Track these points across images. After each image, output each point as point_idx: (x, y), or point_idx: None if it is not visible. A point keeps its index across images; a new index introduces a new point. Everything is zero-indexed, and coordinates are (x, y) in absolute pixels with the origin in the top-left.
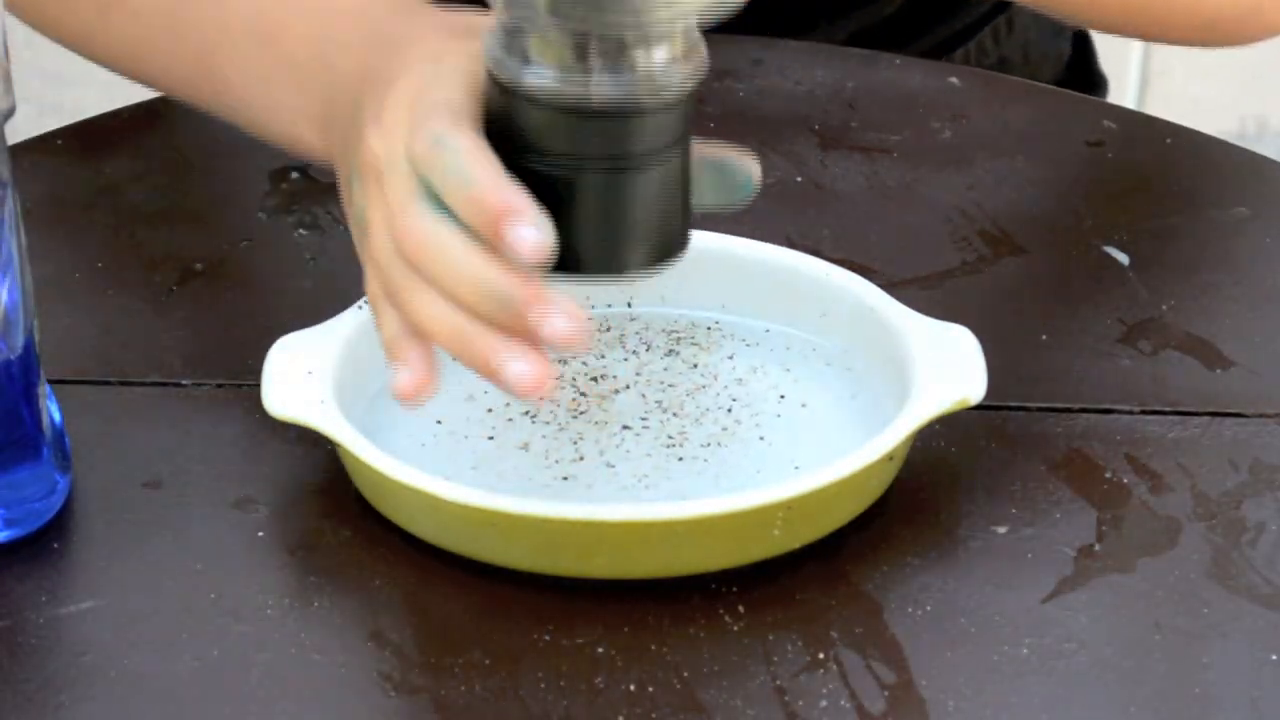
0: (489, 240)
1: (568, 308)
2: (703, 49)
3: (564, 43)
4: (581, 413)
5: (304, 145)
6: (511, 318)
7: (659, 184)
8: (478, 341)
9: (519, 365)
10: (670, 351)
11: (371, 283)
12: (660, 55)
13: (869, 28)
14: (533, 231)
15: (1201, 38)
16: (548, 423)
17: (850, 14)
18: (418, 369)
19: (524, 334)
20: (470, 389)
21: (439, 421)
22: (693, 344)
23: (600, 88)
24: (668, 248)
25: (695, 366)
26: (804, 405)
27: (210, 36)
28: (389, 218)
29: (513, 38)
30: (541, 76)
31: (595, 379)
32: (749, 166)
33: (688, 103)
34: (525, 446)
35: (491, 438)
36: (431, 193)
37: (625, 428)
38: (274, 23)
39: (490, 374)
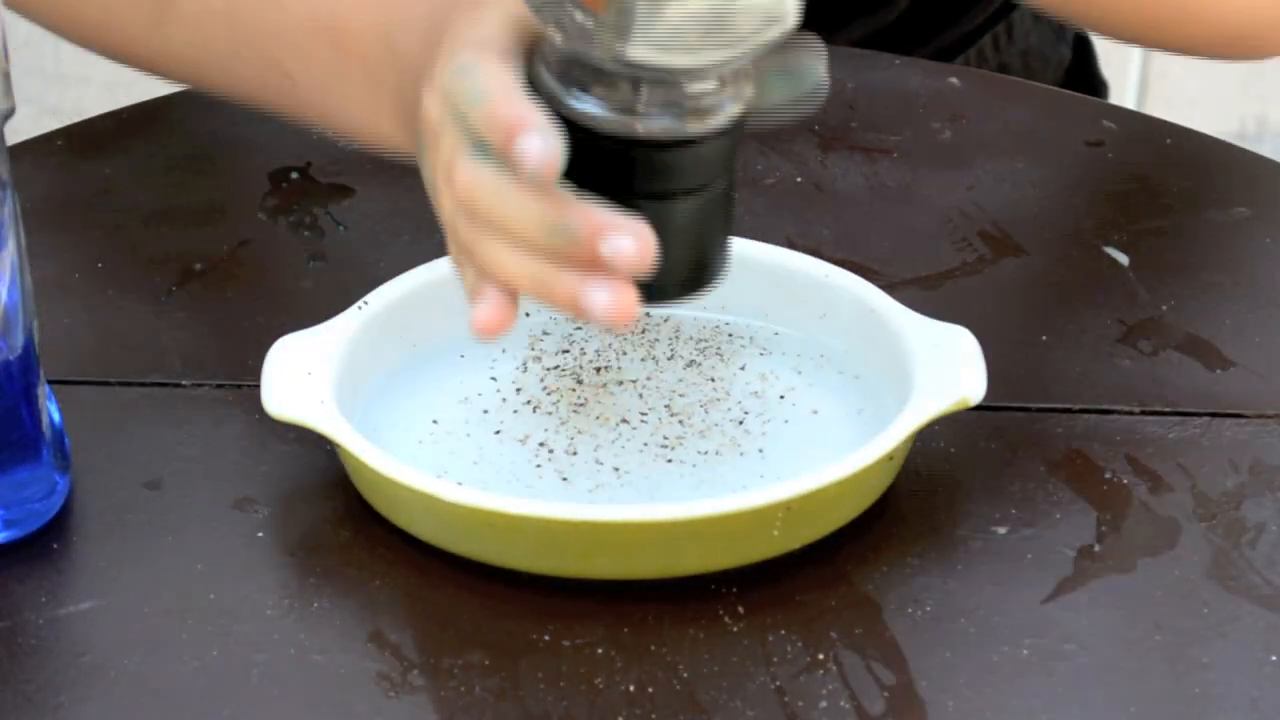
0: (505, 155)
1: (633, 228)
2: (750, 79)
3: (619, 79)
4: (581, 404)
5: (386, 138)
6: (579, 249)
7: (703, 213)
8: (554, 281)
9: (602, 295)
10: (680, 357)
11: (450, 244)
12: (710, 88)
13: (870, 36)
14: (538, 140)
15: (1225, 51)
16: (550, 412)
17: (851, 23)
18: (497, 301)
19: (595, 263)
20: (466, 391)
21: (435, 421)
22: (699, 347)
23: (649, 121)
24: (709, 275)
25: (692, 364)
26: (815, 412)
27: (272, 40)
28: (446, 172)
29: (566, 65)
30: (590, 104)
31: (599, 369)
32: (816, 62)
33: (734, 133)
34: (524, 439)
35: (498, 431)
36: (479, 140)
37: (623, 421)
38: (334, 18)
39: (576, 310)
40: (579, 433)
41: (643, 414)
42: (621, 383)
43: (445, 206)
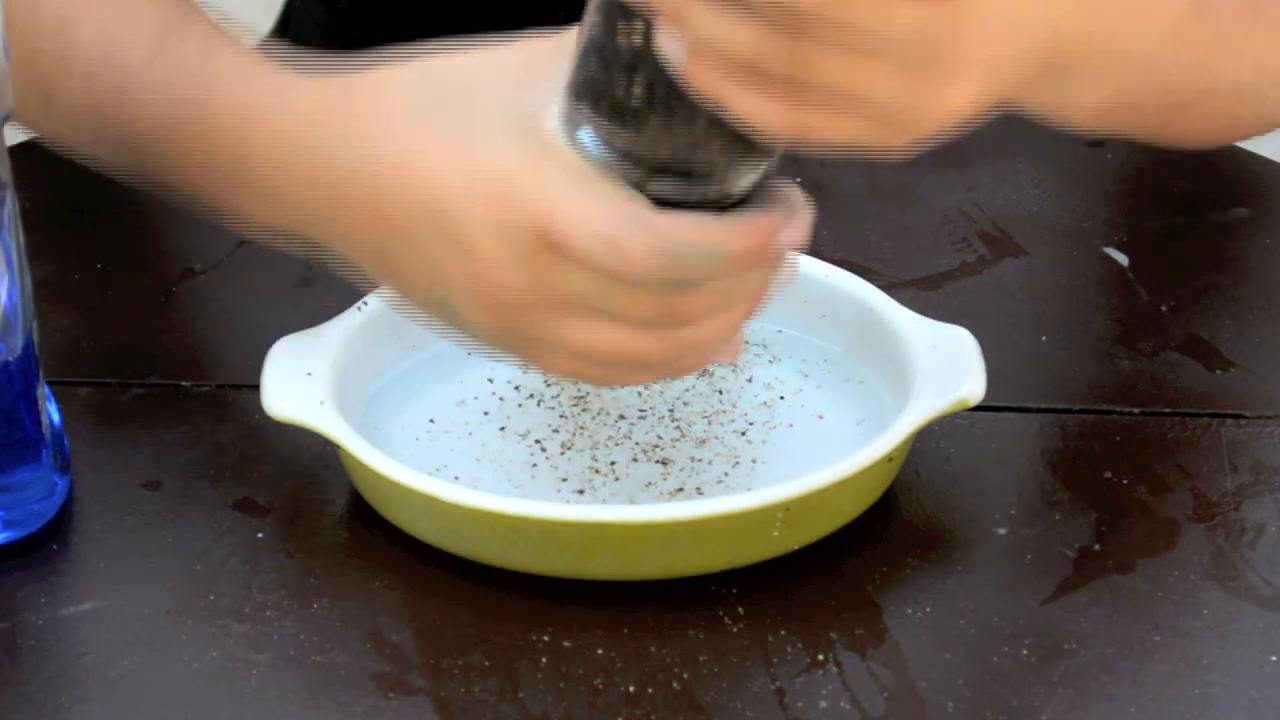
0: (762, 265)
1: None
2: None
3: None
4: (582, 396)
5: (268, 234)
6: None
7: None
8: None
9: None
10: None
11: (574, 366)
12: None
13: None
14: (793, 231)
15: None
16: (551, 408)
17: None
18: (730, 349)
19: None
20: (465, 392)
21: (432, 420)
22: None
23: (663, 189)
24: None
25: (704, 372)
26: (821, 417)
27: (132, 137)
28: (649, 316)
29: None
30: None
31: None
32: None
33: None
34: (524, 434)
35: (503, 428)
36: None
37: (622, 417)
38: (187, 120)
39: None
40: (580, 428)
41: (641, 410)
42: (641, 408)
43: (639, 351)
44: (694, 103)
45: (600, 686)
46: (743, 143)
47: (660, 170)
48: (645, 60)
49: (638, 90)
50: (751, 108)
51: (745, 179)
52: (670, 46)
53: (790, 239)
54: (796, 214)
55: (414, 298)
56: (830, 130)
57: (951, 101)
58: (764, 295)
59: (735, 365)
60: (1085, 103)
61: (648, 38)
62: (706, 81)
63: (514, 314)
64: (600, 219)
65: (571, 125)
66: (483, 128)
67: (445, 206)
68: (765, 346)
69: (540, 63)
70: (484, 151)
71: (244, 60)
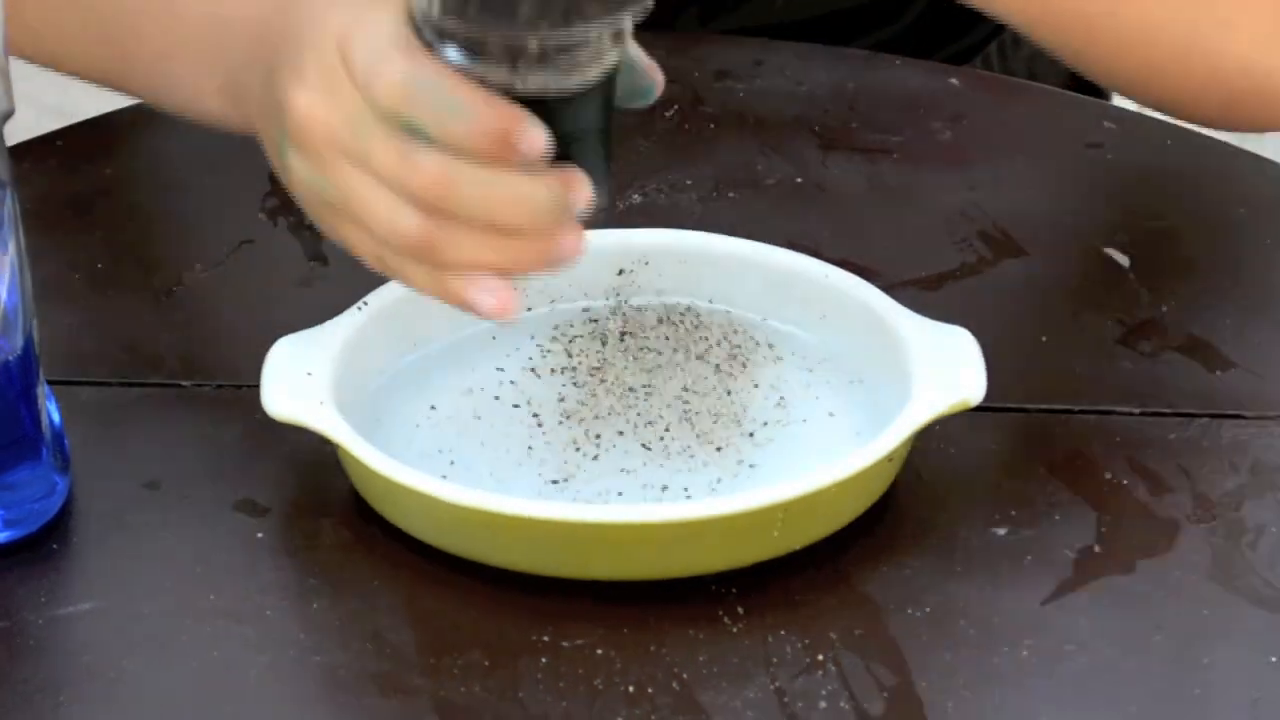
0: (499, 156)
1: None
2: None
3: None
4: (597, 368)
5: (213, 118)
6: (559, 215)
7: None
8: (528, 254)
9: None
10: (707, 360)
11: (370, 245)
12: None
13: (876, 46)
14: (535, 133)
15: (1224, 114)
16: (558, 396)
17: (858, 36)
18: (498, 284)
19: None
20: (465, 391)
21: (433, 406)
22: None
23: (526, 81)
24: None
25: (718, 369)
26: (831, 415)
27: (110, 19)
28: (391, 171)
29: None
30: (465, 64)
31: (594, 370)
32: (654, 74)
33: (607, 87)
34: (529, 450)
35: (516, 404)
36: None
37: (629, 391)
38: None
39: (529, 268)
40: (581, 422)
41: (645, 396)
42: (634, 389)
43: (377, 207)
44: None
45: (600, 686)
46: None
47: (515, 63)
48: None
49: None
50: None
51: (588, 65)
52: None
53: (564, 181)
54: (576, 174)
55: (266, 133)
56: None
57: None
58: (531, 250)
59: (745, 364)
60: None
61: None
62: None
63: (311, 144)
64: (379, 38)
65: (430, 30)
66: None
67: (300, 30)
68: (769, 346)
69: None
70: None
71: None
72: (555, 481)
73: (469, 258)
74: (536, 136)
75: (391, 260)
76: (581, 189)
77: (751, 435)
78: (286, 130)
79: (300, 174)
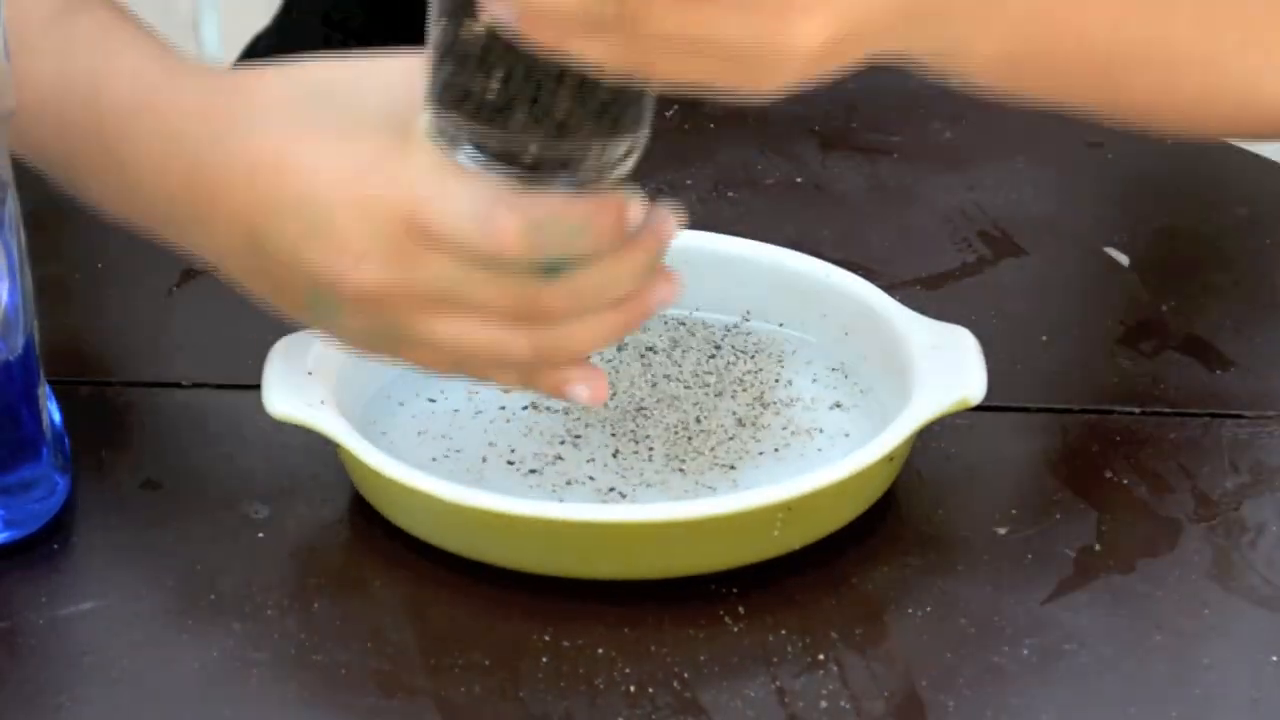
0: (616, 243)
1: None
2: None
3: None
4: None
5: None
6: (657, 263)
7: None
8: (635, 315)
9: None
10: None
11: (447, 365)
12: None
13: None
14: (635, 202)
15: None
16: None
17: None
18: (590, 378)
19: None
20: (465, 391)
21: (433, 405)
22: (734, 354)
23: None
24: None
25: (735, 377)
26: (835, 407)
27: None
28: (513, 310)
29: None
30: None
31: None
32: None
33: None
34: (530, 450)
35: (508, 421)
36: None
37: (631, 435)
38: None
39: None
40: (587, 426)
41: (653, 395)
42: (634, 388)
43: (500, 348)
44: (553, 74)
45: (600, 686)
46: (610, 117)
47: (533, 168)
48: (494, 46)
49: (495, 80)
50: (594, 55)
51: (616, 167)
52: (502, 12)
53: (659, 234)
54: (663, 215)
55: (284, 297)
56: (680, 73)
57: (802, 39)
58: (637, 312)
59: (745, 364)
60: (978, 53)
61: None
62: (545, 38)
63: (381, 308)
64: (469, 200)
65: (443, 138)
66: (358, 124)
67: (316, 196)
68: (769, 346)
69: (418, 74)
70: (357, 143)
71: (141, 42)
72: (556, 481)
73: (579, 349)
74: (636, 206)
75: (476, 372)
76: (670, 228)
77: (752, 435)
78: (334, 300)
79: (357, 326)
